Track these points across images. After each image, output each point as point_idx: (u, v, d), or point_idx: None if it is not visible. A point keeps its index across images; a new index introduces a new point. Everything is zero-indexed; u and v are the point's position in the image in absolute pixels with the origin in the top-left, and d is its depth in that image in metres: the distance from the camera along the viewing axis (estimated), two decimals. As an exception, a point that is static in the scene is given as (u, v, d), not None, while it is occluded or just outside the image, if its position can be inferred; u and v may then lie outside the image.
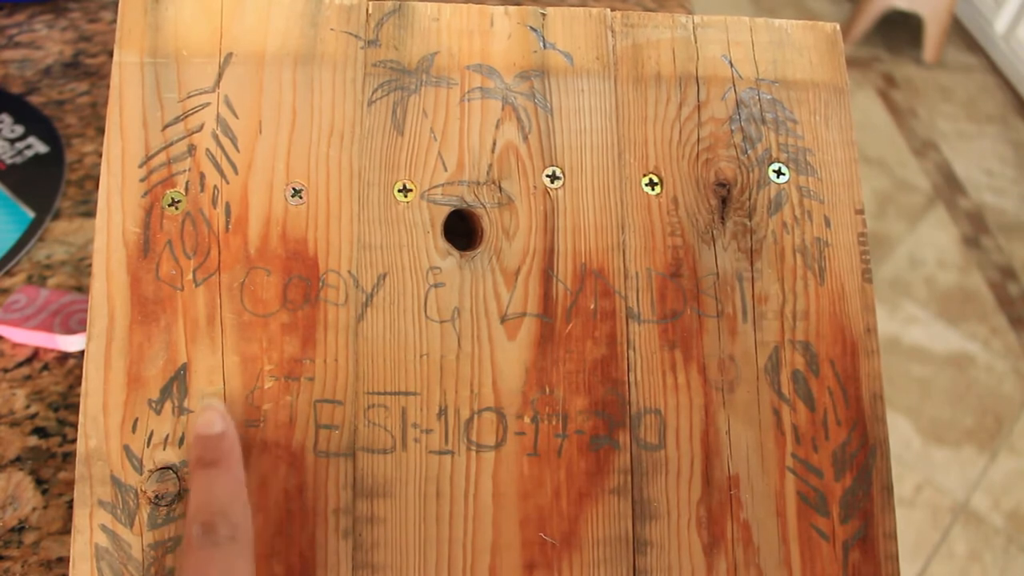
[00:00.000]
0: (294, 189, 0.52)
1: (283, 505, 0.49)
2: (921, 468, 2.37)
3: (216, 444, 0.47)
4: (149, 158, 0.51)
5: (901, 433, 2.43)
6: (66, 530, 0.61)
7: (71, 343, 0.70)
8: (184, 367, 0.49)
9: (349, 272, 0.51)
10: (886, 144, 3.37)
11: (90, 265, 0.74)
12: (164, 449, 0.49)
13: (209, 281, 0.50)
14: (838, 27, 0.60)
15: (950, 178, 3.27)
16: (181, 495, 0.48)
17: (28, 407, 0.68)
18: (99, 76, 0.93)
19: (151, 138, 0.51)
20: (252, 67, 0.53)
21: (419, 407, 0.51)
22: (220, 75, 0.52)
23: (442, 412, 0.51)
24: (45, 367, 0.70)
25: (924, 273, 2.89)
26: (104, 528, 0.48)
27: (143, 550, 0.48)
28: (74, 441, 0.66)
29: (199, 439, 0.48)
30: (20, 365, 0.70)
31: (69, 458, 0.65)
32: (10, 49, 0.95)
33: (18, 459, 0.65)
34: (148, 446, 0.49)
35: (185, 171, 0.51)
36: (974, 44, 3.98)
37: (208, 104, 0.52)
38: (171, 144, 0.51)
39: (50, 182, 0.82)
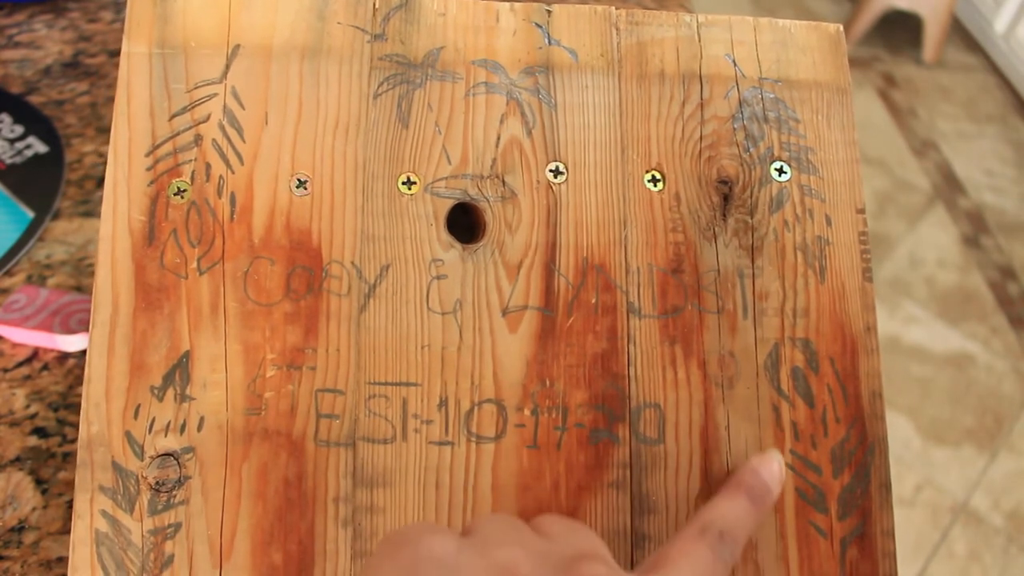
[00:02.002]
0: (299, 180, 0.52)
1: (283, 493, 0.49)
2: (921, 468, 2.37)
3: (769, 495, 0.50)
4: (156, 147, 0.51)
5: (901, 433, 2.43)
6: (66, 530, 0.61)
7: (71, 343, 0.70)
8: (187, 355, 0.50)
9: (352, 263, 0.52)
10: (886, 144, 3.38)
11: (90, 265, 0.74)
12: (166, 436, 0.49)
13: (213, 270, 0.50)
14: (841, 28, 0.60)
15: (950, 178, 3.27)
16: (181, 482, 0.49)
17: (28, 407, 0.68)
18: (99, 76, 0.93)
19: (158, 128, 0.51)
20: (259, 59, 0.53)
21: (420, 398, 0.51)
22: (227, 66, 0.53)
23: (443, 403, 0.51)
24: (45, 367, 0.70)
25: (924, 273, 2.90)
26: (104, 513, 0.48)
27: (143, 536, 0.48)
28: (74, 441, 0.65)
29: (760, 479, 0.50)
30: (20, 365, 0.70)
31: (69, 458, 0.65)
32: (10, 49, 0.94)
33: (18, 459, 0.65)
34: (150, 433, 0.49)
35: (191, 161, 0.51)
36: (974, 44, 3.98)
37: (215, 95, 0.52)
38: (178, 134, 0.51)
39: (50, 182, 0.82)
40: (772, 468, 0.50)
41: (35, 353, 0.71)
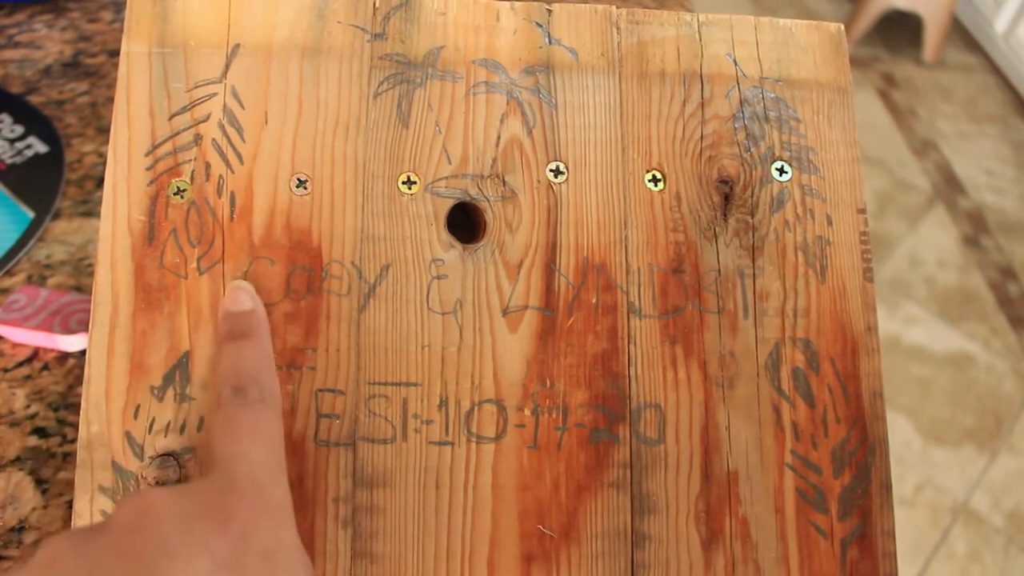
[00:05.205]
0: (299, 180, 0.52)
1: (284, 494, 0.49)
2: (921, 468, 2.37)
3: (245, 319, 0.49)
4: (155, 147, 0.51)
5: (901, 433, 2.43)
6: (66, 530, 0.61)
7: (71, 343, 0.70)
8: (187, 355, 0.50)
9: (352, 263, 0.51)
10: (886, 144, 3.38)
11: (90, 265, 0.74)
12: (165, 436, 0.49)
13: (213, 270, 0.50)
14: (842, 27, 0.60)
15: (950, 178, 3.27)
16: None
17: (28, 407, 0.68)
18: (99, 76, 0.93)
19: (158, 127, 0.51)
20: (259, 58, 0.53)
21: (420, 398, 0.51)
22: (227, 66, 0.53)
23: (443, 403, 0.51)
24: (45, 367, 0.70)
25: (924, 273, 2.90)
26: (104, 514, 0.48)
27: (144, 537, 0.48)
28: (74, 441, 0.65)
29: (228, 315, 0.49)
30: (20, 365, 0.70)
31: (69, 458, 0.65)
32: (10, 49, 0.94)
33: (18, 459, 0.65)
34: (150, 433, 0.49)
35: (191, 160, 0.51)
36: (974, 44, 3.99)
37: (215, 94, 0.52)
38: (177, 133, 0.51)
39: (50, 182, 0.82)
40: (232, 296, 0.50)
41: (35, 353, 0.71)
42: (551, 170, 0.54)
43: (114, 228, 0.50)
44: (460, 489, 0.50)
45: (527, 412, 0.52)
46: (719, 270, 0.54)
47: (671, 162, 0.55)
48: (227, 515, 0.39)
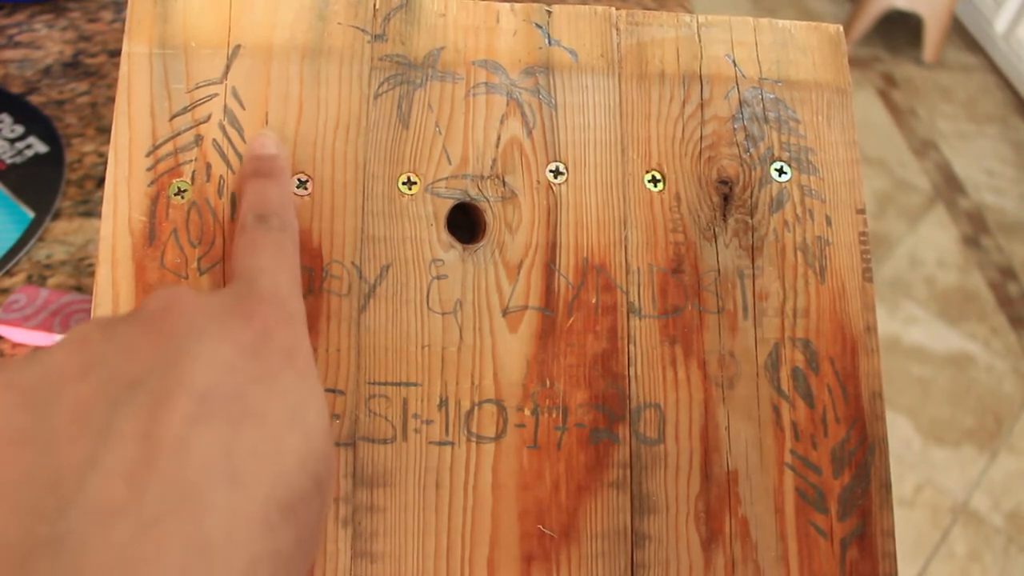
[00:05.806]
0: (299, 180, 0.52)
1: (284, 494, 0.49)
2: (921, 468, 2.37)
3: (270, 162, 0.51)
4: (156, 148, 0.51)
5: (901, 433, 2.43)
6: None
7: (71, 344, 0.70)
8: (188, 356, 0.50)
9: (352, 263, 0.52)
10: (886, 144, 3.38)
11: (90, 265, 0.74)
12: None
13: (214, 270, 0.50)
14: (841, 28, 0.60)
15: (950, 178, 3.27)
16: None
17: (27, 407, 0.68)
18: (99, 76, 0.93)
19: (158, 128, 0.51)
20: (260, 59, 0.53)
21: (420, 398, 0.51)
22: (228, 67, 0.53)
23: (443, 403, 0.51)
24: (45, 368, 0.70)
25: (924, 273, 2.90)
26: None
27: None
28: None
29: (254, 157, 0.51)
30: (20, 365, 0.70)
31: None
32: (10, 49, 0.94)
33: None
34: (151, 433, 0.49)
35: (191, 161, 0.51)
36: (974, 44, 3.99)
37: (216, 95, 0.52)
38: (178, 134, 0.51)
39: (50, 182, 0.82)
40: (259, 141, 0.52)
41: (35, 353, 0.71)
42: (551, 171, 0.54)
43: (115, 228, 0.50)
44: (460, 489, 0.50)
45: (527, 412, 0.52)
46: (719, 270, 0.55)
47: (671, 163, 0.56)
48: (250, 313, 0.40)
